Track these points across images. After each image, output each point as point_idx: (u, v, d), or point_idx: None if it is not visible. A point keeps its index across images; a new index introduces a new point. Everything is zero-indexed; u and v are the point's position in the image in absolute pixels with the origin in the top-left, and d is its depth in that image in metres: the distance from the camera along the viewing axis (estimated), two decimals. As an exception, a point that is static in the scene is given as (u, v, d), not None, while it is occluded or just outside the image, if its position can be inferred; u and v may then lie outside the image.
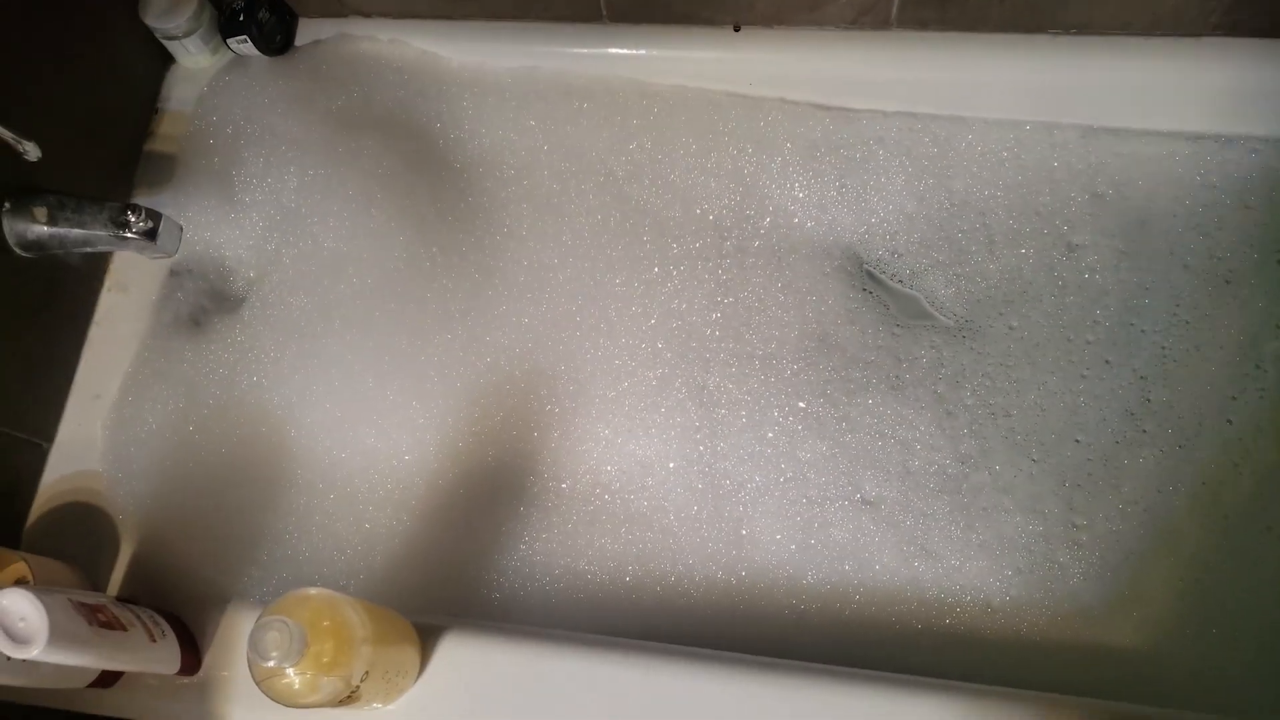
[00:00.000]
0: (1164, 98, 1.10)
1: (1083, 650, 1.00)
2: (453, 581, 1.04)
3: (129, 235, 0.97)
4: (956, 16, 1.08)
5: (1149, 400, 1.07)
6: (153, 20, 1.15)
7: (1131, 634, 1.00)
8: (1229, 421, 1.05)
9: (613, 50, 1.16)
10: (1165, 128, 1.11)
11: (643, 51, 1.16)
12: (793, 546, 1.05)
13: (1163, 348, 1.09)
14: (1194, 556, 1.02)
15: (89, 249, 1.02)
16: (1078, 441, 1.07)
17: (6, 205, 0.97)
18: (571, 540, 1.06)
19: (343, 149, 1.13)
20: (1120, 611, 1.01)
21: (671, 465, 1.09)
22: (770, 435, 1.09)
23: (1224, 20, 1.03)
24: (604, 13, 1.14)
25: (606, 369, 1.11)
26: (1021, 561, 1.03)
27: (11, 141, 0.86)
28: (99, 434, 1.06)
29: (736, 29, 1.14)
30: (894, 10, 1.08)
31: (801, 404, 1.10)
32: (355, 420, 1.08)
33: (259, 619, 0.72)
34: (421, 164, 1.16)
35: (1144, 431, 1.06)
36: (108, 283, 1.13)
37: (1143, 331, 1.09)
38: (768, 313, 1.14)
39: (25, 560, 0.93)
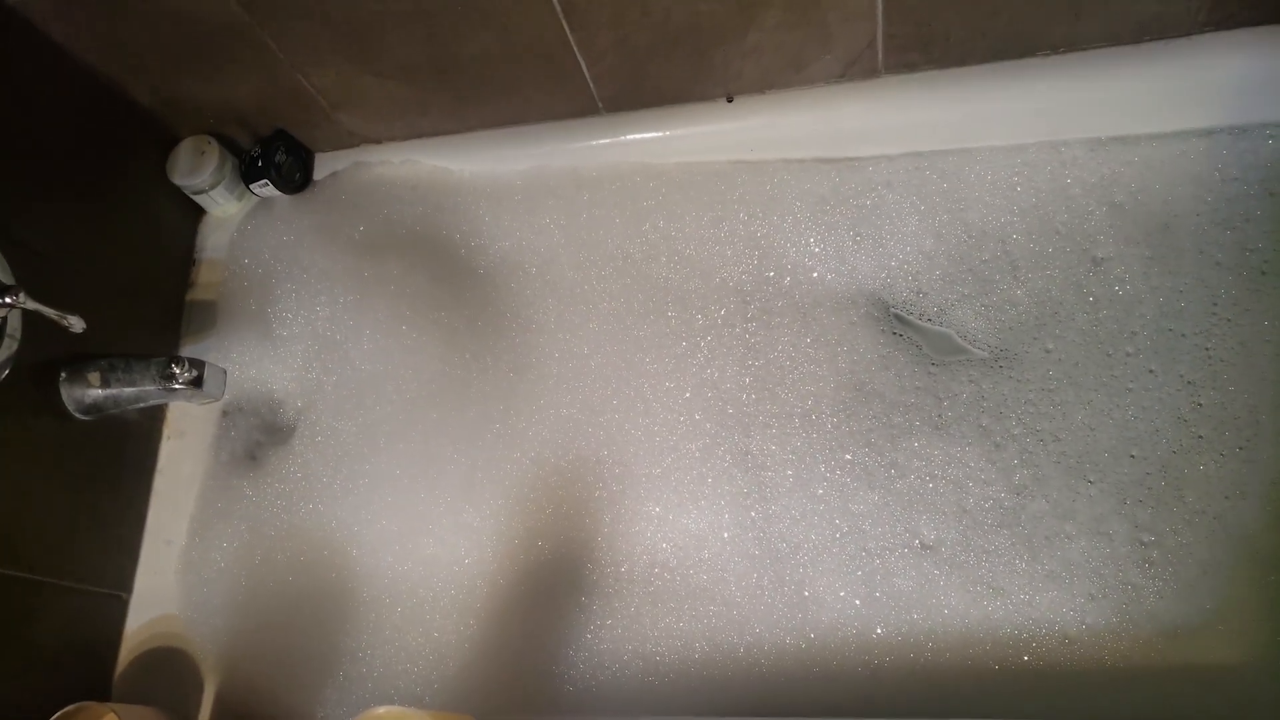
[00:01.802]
0: (1167, 99, 1.09)
1: (1172, 672, 0.97)
2: (525, 679, 1.05)
3: (176, 386, 1.03)
4: (943, 55, 1.09)
5: (1200, 405, 1.05)
6: (180, 179, 1.22)
7: (1220, 650, 0.96)
8: (1288, 416, 1.02)
9: (614, 139, 1.20)
10: (1174, 128, 1.10)
11: (643, 135, 1.19)
12: (857, 602, 1.04)
13: (1206, 349, 1.06)
14: (1274, 560, 0.98)
15: (143, 404, 1.07)
16: (1133, 456, 1.05)
17: (63, 375, 1.04)
18: (636, 623, 1.06)
19: (369, 273, 1.18)
20: (1205, 628, 0.97)
21: (726, 535, 1.09)
22: (820, 492, 1.09)
23: (1212, 16, 1.02)
24: (600, 105, 1.18)
25: (648, 447, 1.13)
26: (1094, 587, 1.01)
27: (56, 318, 0.92)
28: (173, 578, 1.10)
29: (729, 100, 1.16)
30: (880, 58, 1.10)
31: (847, 456, 1.10)
32: (413, 531, 1.10)
33: (335, 747, 0.74)
34: (446, 276, 1.20)
35: (1200, 437, 1.04)
36: (166, 431, 1.19)
37: (1183, 335, 1.07)
38: (801, 369, 1.14)
39: (115, 712, 0.97)
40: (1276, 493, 1.00)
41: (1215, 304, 1.07)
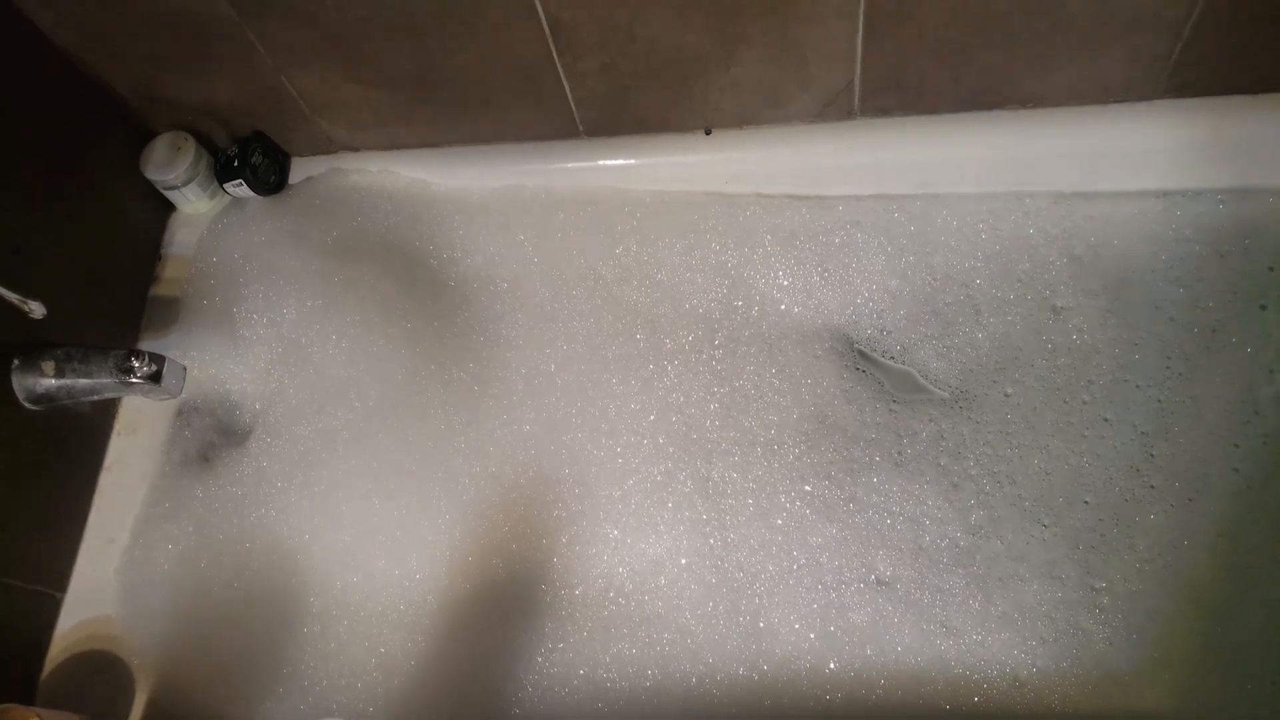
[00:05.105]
0: (1128, 160, 1.13)
1: (1117, 718, 0.97)
2: (472, 699, 1.03)
3: (134, 380, 1.00)
4: (916, 101, 1.12)
5: (1153, 455, 1.07)
6: (152, 173, 1.20)
7: (1166, 697, 0.97)
8: (1235, 470, 1.04)
9: (592, 163, 1.21)
10: (1133, 188, 1.14)
11: (621, 161, 1.21)
12: (812, 635, 1.04)
13: (1159, 401, 1.09)
14: (1220, 610, 1.00)
15: (97, 397, 1.05)
16: (1086, 503, 1.07)
17: (15, 362, 1.01)
18: (589, 648, 1.05)
19: (339, 278, 1.17)
20: (1151, 674, 0.99)
21: (683, 561, 1.08)
22: (779, 522, 1.09)
23: (1172, 84, 1.07)
24: (580, 129, 1.19)
25: (610, 469, 1.12)
26: (1045, 631, 1.02)
27: (17, 302, 0.90)
28: (112, 579, 1.06)
29: (708, 132, 1.19)
30: (856, 101, 1.13)
31: (807, 487, 1.10)
32: (364, 543, 1.08)
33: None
34: (416, 286, 1.19)
35: (1152, 487, 1.06)
36: (117, 427, 1.16)
37: (1137, 387, 1.10)
38: (765, 399, 1.15)
39: (39, 716, 0.92)
40: (1224, 544, 1.02)
41: (1169, 358, 1.10)
